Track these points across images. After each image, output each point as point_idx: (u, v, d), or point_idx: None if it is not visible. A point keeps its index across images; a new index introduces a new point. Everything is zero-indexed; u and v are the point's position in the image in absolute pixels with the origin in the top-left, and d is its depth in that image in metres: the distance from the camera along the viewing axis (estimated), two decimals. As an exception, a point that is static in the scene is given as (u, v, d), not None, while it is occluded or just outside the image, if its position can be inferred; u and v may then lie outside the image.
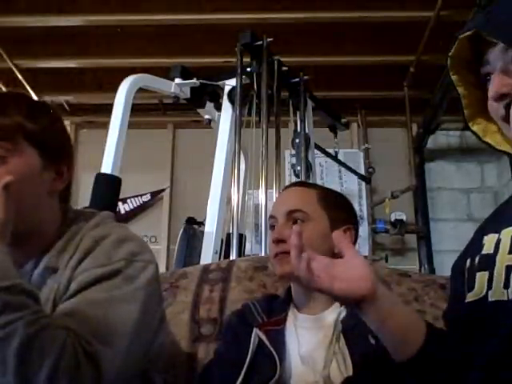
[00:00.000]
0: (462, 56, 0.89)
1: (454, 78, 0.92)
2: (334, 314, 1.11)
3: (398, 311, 0.83)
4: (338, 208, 1.21)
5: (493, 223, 0.89)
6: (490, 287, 0.81)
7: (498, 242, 0.83)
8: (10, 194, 0.87)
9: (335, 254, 1.13)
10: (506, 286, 0.79)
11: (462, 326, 0.85)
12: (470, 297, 0.85)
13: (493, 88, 0.81)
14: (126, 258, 0.95)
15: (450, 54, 0.90)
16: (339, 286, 0.80)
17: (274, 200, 1.37)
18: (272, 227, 1.21)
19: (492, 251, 0.84)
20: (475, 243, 0.91)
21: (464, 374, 0.80)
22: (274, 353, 1.07)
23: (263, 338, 1.10)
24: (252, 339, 1.11)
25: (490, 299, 0.81)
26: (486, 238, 0.87)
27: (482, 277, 0.83)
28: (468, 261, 0.89)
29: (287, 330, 1.13)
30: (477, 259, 0.87)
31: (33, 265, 0.99)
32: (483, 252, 0.86)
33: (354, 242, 1.21)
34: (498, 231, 0.85)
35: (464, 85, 0.91)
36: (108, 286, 0.91)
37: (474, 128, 0.92)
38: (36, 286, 0.93)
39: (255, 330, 1.12)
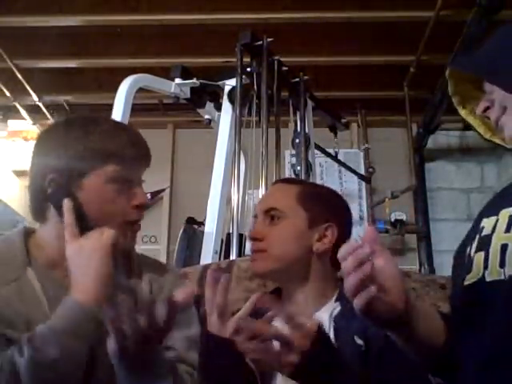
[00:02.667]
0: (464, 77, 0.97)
1: (462, 112, 0.99)
2: (327, 313, 1.09)
3: (423, 322, 0.80)
4: (317, 205, 1.18)
5: (492, 207, 0.90)
6: (486, 267, 0.81)
7: (496, 222, 0.84)
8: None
9: (311, 252, 1.14)
10: (502, 265, 0.78)
11: (462, 312, 0.85)
12: (468, 279, 0.84)
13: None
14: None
15: (451, 93, 0.98)
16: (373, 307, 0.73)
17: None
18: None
19: (490, 232, 0.84)
20: (474, 228, 0.91)
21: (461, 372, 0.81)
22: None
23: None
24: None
25: (487, 279, 0.80)
26: (485, 220, 0.87)
27: (478, 257, 0.83)
28: (468, 247, 0.89)
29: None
30: (475, 242, 0.87)
31: None
32: (482, 234, 0.86)
33: (341, 240, 1.07)
34: (497, 213, 0.85)
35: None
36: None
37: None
38: None
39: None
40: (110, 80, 3.54)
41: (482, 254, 0.82)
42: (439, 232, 3.97)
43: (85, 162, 0.96)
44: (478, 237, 0.87)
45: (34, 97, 3.86)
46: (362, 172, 3.93)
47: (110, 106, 2.35)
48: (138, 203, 1.00)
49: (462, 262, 0.89)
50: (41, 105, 3.94)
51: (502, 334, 0.76)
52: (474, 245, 0.86)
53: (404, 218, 3.83)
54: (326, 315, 1.08)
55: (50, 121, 3.96)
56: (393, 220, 3.81)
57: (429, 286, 1.34)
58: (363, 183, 3.95)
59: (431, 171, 4.14)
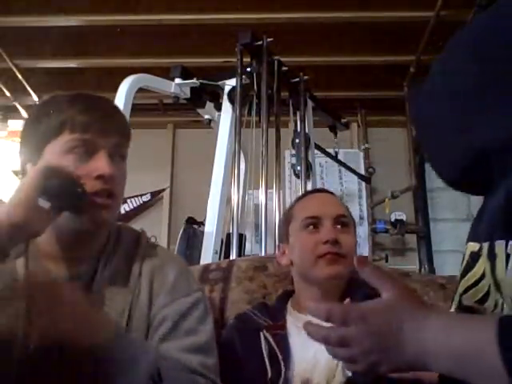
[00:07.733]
0: None
1: None
2: None
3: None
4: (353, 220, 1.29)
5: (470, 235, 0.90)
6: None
7: (463, 259, 0.82)
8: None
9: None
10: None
11: None
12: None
13: None
14: (200, 289, 1.06)
15: None
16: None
17: (292, 201, 1.39)
18: (312, 226, 1.21)
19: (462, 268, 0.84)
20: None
21: None
22: (280, 356, 1.07)
23: (271, 340, 1.10)
24: (262, 344, 1.11)
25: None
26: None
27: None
28: None
29: (291, 336, 1.12)
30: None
31: (90, 266, 0.99)
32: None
33: None
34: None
35: None
36: (199, 319, 1.00)
37: None
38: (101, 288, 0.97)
39: (263, 333, 1.12)
40: (110, 80, 3.53)
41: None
42: (439, 232, 3.97)
43: (41, 134, 0.96)
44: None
45: (34, 97, 3.87)
46: (362, 172, 3.94)
47: (110, 106, 2.35)
48: (97, 174, 0.93)
49: None
50: (41, 105, 3.94)
51: None
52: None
53: (404, 218, 3.83)
54: None
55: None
56: (393, 220, 3.81)
57: (429, 285, 1.34)
58: (363, 183, 3.95)
59: (431, 171, 4.10)
